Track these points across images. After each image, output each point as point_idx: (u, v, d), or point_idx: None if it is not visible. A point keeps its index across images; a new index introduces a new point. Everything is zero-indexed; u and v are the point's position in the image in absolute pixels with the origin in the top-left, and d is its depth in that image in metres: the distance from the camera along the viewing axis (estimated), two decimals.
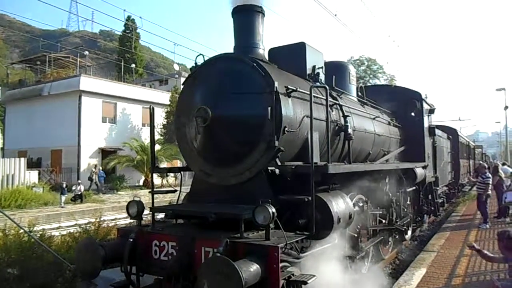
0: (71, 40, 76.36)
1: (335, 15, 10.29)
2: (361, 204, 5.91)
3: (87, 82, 26.49)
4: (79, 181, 20.68)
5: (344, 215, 4.66)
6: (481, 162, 18.15)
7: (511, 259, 4.28)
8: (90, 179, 23.87)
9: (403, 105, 10.10)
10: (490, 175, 10.94)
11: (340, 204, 4.70)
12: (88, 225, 7.92)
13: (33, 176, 21.64)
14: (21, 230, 6.57)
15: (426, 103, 10.87)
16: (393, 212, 7.70)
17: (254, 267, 3.32)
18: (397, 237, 8.54)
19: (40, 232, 7.16)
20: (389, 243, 7.97)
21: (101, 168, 24.81)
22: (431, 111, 11.27)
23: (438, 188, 12.04)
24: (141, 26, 31.02)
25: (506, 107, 29.55)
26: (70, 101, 26.27)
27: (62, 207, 17.44)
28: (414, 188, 9.19)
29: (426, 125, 10.46)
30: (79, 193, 19.46)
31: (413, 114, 10.24)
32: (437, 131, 12.12)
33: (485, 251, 4.86)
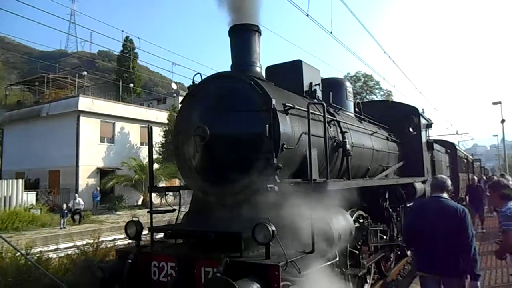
0: (69, 61, 76.93)
1: (331, 32, 10.40)
2: (361, 220, 5.87)
3: (85, 103, 26.60)
4: (76, 195, 20.35)
5: (344, 232, 4.62)
6: (475, 176, 14.68)
7: (502, 214, 4.13)
8: None
9: (401, 120, 10.13)
10: None
11: (341, 221, 4.66)
12: (86, 246, 7.83)
13: (30, 197, 21.49)
14: (18, 253, 6.48)
15: (424, 118, 10.92)
16: (394, 228, 7.64)
17: (255, 287, 3.27)
18: (398, 253, 8.46)
19: (37, 255, 7.08)
20: (391, 259, 7.89)
21: (98, 188, 24.70)
22: (429, 125, 11.30)
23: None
24: (139, 46, 31.44)
25: (503, 120, 29.64)
26: (68, 121, 26.33)
27: (64, 227, 17.28)
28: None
29: (424, 139, 10.47)
30: (78, 208, 19.04)
31: (411, 129, 10.26)
32: (435, 146, 12.13)
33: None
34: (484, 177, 25.35)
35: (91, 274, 3.99)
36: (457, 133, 36.97)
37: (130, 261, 4.15)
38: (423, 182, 9.43)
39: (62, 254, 8.73)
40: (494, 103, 29.62)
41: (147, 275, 4.17)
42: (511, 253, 4.15)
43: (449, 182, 4.36)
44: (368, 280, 6.37)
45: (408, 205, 8.55)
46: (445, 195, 4.22)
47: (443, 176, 4.58)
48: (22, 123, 29.43)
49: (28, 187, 23.22)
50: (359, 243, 5.73)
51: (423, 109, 11.41)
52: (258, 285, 3.30)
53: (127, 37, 37.10)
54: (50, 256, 8.07)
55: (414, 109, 10.53)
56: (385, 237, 7.23)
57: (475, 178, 13.19)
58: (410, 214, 4.78)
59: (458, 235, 3.89)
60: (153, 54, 16.13)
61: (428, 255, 4.08)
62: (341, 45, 12.00)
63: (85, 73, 38.23)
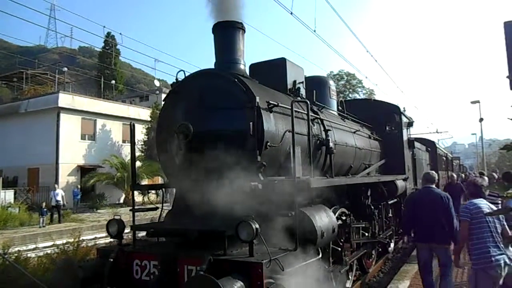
0: (49, 57, 75.20)
1: (314, 31, 10.45)
2: (344, 218, 5.93)
3: (65, 99, 26.07)
4: (56, 185, 19.60)
5: (327, 229, 4.66)
6: (454, 174, 13.62)
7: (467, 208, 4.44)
8: None
9: (383, 118, 10.26)
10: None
11: (324, 218, 4.69)
12: (66, 245, 7.69)
13: (8, 195, 20.97)
14: None
15: (405, 116, 11.08)
16: (376, 225, 7.74)
17: (238, 285, 3.27)
18: (380, 249, 8.57)
19: (16, 254, 6.92)
20: (373, 256, 7.99)
21: (79, 186, 24.29)
22: (410, 124, 11.47)
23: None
24: (121, 42, 30.74)
25: (481, 119, 30.34)
26: (48, 118, 25.78)
27: (43, 226, 16.92)
28: (395, 200, 9.29)
29: (405, 138, 10.63)
30: (59, 200, 18.18)
31: (392, 127, 10.40)
32: (416, 144, 12.33)
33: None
34: (462, 175, 25.68)
35: (72, 273, 3.92)
36: (437, 132, 37.73)
37: (111, 260, 4.09)
38: (404, 179, 9.58)
39: (41, 254, 8.56)
40: (473, 102, 30.32)
41: (129, 274, 4.12)
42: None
43: (436, 176, 6.01)
44: (350, 277, 6.43)
45: (389, 202, 8.69)
46: (433, 186, 5.74)
47: (433, 172, 6.19)
48: (0, 119, 28.67)
49: (6, 185, 22.65)
50: (342, 240, 5.79)
51: (404, 108, 11.54)
52: (242, 283, 3.29)
53: (108, 33, 36.56)
54: (28, 255, 7.90)
55: (396, 108, 10.68)
56: (367, 234, 7.32)
57: (454, 175, 11.97)
58: (409, 200, 6.57)
59: (444, 214, 5.27)
60: (136, 51, 16.00)
61: (423, 230, 5.41)
62: (324, 44, 12.06)
63: (65, 69, 37.55)
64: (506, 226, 4.23)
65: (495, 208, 4.30)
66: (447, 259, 5.35)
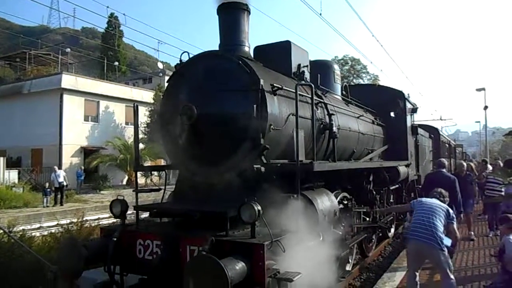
0: (52, 37, 74.72)
1: (320, 14, 10.32)
2: (345, 202, 5.96)
3: (68, 80, 26.04)
4: (56, 167, 19.24)
5: (329, 213, 4.69)
6: (463, 162, 13.49)
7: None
8: None
9: (387, 104, 10.20)
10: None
11: (325, 202, 4.72)
12: (70, 225, 7.77)
13: (12, 175, 21.16)
14: (0, 231, 6.41)
15: (409, 102, 11.00)
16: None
17: (240, 265, 3.31)
18: (380, 234, 8.64)
19: (20, 233, 7.01)
20: (373, 240, 8.06)
21: (82, 167, 24.44)
22: (414, 110, 11.40)
23: (420, 186, 12.20)
24: (125, 23, 30.43)
25: (485, 107, 30.08)
26: (51, 99, 25.79)
27: (47, 206, 17.11)
28: (397, 186, 9.31)
29: (409, 124, 10.57)
30: (61, 182, 17.95)
31: (396, 113, 10.35)
32: (420, 130, 12.27)
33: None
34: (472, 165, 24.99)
35: (76, 252, 3.97)
36: (440, 119, 37.49)
37: (115, 239, 4.14)
38: (407, 165, 9.57)
39: (46, 233, 8.66)
40: (478, 90, 30.01)
41: (132, 253, 4.17)
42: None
43: (446, 162, 7.88)
44: (350, 261, 6.50)
45: (391, 188, 8.71)
46: (444, 170, 7.41)
47: (443, 159, 8.16)
48: (3, 100, 28.66)
49: (10, 165, 22.83)
50: (343, 224, 5.83)
51: (408, 94, 11.43)
52: (243, 264, 3.33)
53: (112, 14, 36.18)
54: (33, 234, 8.00)
55: (400, 93, 10.60)
56: (368, 219, 7.36)
57: (464, 164, 9.35)
58: (425, 180, 8.09)
59: (450, 191, 5.96)
60: (139, 32, 15.79)
61: None
62: (330, 28, 11.92)
63: (68, 50, 37.34)
64: (455, 227, 5.11)
65: (442, 206, 4.98)
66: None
